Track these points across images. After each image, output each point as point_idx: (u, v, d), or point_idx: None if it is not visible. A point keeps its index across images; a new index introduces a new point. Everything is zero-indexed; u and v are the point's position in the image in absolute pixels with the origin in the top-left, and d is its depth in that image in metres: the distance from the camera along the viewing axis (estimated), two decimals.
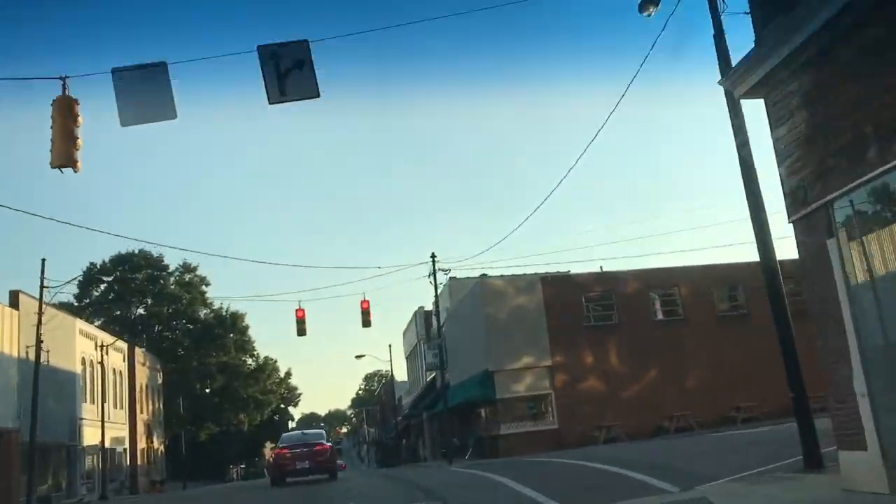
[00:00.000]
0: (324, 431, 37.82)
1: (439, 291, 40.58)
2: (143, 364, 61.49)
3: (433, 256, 36.57)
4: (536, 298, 36.35)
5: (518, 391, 35.68)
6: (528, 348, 35.78)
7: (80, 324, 47.54)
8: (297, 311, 34.77)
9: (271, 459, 33.90)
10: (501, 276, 36.99)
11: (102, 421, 42.23)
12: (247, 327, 76.62)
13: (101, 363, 44.52)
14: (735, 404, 35.59)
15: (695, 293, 37.35)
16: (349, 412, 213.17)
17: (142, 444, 59.31)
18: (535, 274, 36.90)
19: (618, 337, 36.46)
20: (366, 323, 35.53)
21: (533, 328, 35.92)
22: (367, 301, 35.59)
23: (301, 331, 34.79)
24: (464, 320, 40.87)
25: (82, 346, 46.69)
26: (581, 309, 36.63)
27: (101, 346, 44.07)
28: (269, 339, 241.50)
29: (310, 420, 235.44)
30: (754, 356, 35.95)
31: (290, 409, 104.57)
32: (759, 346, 37.01)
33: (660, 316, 37.77)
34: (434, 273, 36.35)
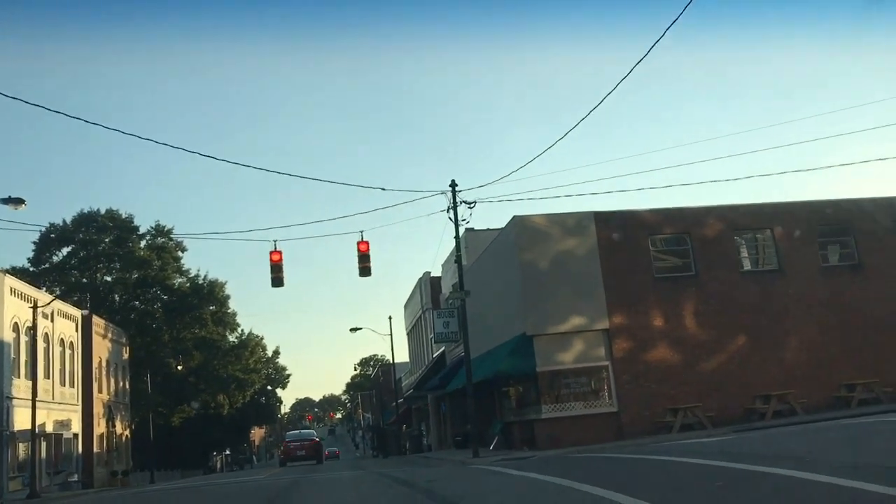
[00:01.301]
0: (314, 431, 55.42)
1: (453, 248, 31.80)
2: (105, 336, 52.75)
3: (453, 185, 27.80)
4: (589, 242, 27.60)
5: (565, 362, 26.97)
6: (577, 306, 27.08)
7: (11, 280, 38.75)
8: (271, 253, 26.12)
9: (281, 449, 50.25)
10: (544, 215, 28.08)
11: (34, 398, 33.50)
12: (227, 297, 67.90)
13: (34, 328, 35.67)
14: (847, 381, 27.02)
15: (793, 237, 28.62)
16: (344, 397, 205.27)
17: (100, 428, 50.64)
18: (587, 212, 28.05)
19: (695, 292, 27.75)
20: (364, 271, 26.89)
21: (584, 280, 27.21)
22: (367, 242, 26.95)
23: (277, 280, 26.13)
24: (489, 275, 32.14)
25: (14, 308, 37.95)
26: (647, 256, 27.88)
27: (35, 307, 35.25)
28: (255, 318, 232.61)
29: (303, 405, 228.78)
30: (871, 319, 27.51)
31: (279, 390, 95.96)
32: (877, 306, 28.67)
33: (748, 266, 29.04)
34: (454, 206, 27.51)
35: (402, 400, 63.25)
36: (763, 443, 17.27)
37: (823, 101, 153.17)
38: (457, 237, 28.57)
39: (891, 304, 27.99)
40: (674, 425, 25.75)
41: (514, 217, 28.13)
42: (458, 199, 27.71)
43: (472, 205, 27.68)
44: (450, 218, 27.99)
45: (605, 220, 27.80)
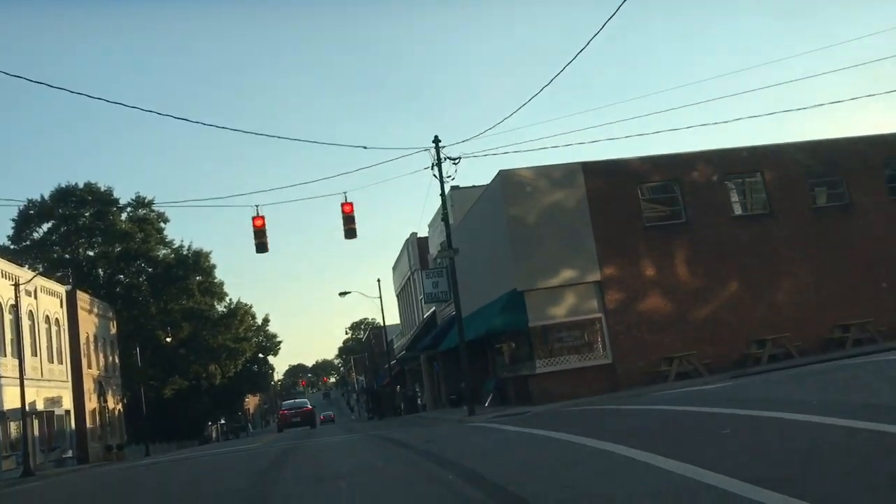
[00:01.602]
0: (307, 400, 60.56)
1: (439, 207, 31.24)
2: (90, 311, 52.17)
3: (437, 141, 27.15)
4: (577, 193, 27.13)
5: (557, 316, 26.67)
6: (568, 259, 26.73)
7: None
8: (254, 219, 25.53)
9: (278, 416, 55.95)
10: (530, 168, 27.52)
11: (21, 376, 33.03)
12: (213, 267, 67.16)
13: (17, 305, 35.06)
14: (841, 322, 26.92)
15: (783, 179, 28.26)
16: (336, 361, 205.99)
17: (91, 404, 50.31)
18: (574, 163, 27.49)
19: (686, 240, 27.42)
20: (349, 233, 26.37)
21: (574, 233, 26.82)
22: (351, 204, 26.38)
23: (261, 245, 25.58)
24: (476, 232, 31.70)
25: None
26: (637, 205, 27.46)
27: (17, 285, 34.60)
28: (243, 287, 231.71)
29: (297, 371, 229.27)
30: (862, 259, 27.36)
31: (271, 358, 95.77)
32: (868, 245, 28.36)
33: (739, 211, 28.68)
34: (439, 163, 26.91)
35: (394, 361, 63.20)
36: (763, 388, 17.07)
37: (813, 38, 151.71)
38: (442, 194, 28.05)
39: (882, 242, 27.79)
40: (669, 374, 25.62)
41: (500, 171, 27.59)
42: (442, 156, 27.15)
43: (456, 161, 27.14)
44: (434, 175, 27.45)
45: (593, 171, 27.31)
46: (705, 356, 26.05)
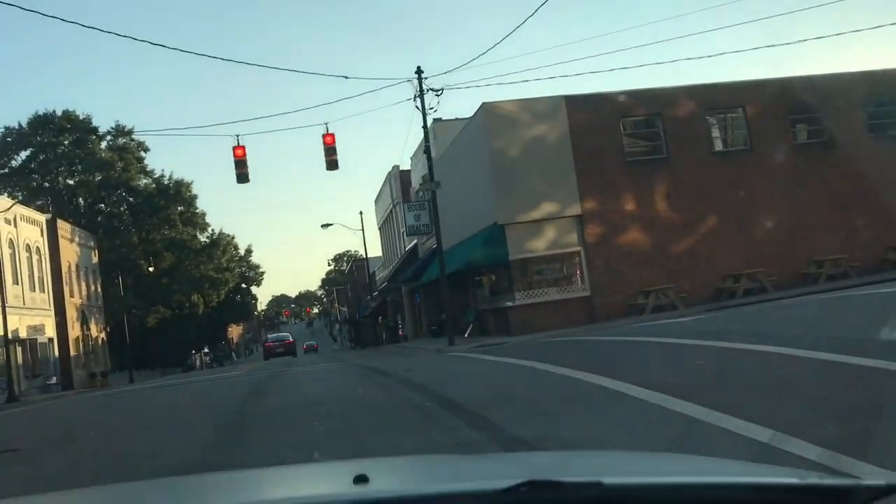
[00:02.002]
0: (289, 334, 69.06)
1: (421, 140, 31.13)
2: (72, 240, 51.96)
3: (419, 72, 26.90)
4: (560, 127, 27.09)
5: (537, 249, 26.96)
6: (549, 193, 26.86)
7: None
8: (234, 149, 25.40)
9: (263, 347, 63.08)
10: (513, 100, 27.38)
11: (3, 304, 33.12)
12: (194, 197, 66.74)
13: None
14: (815, 258, 27.38)
15: (764, 115, 28.31)
16: (319, 292, 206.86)
17: (75, 332, 50.54)
18: (557, 96, 27.39)
19: (666, 175, 27.57)
20: (331, 164, 26.32)
21: (555, 166, 26.87)
22: (332, 135, 26.26)
23: (242, 175, 25.52)
24: (459, 165, 31.68)
25: None
26: (619, 139, 27.50)
27: None
28: (226, 217, 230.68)
29: (280, 302, 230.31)
30: (839, 196, 27.69)
31: (254, 288, 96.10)
32: (845, 182, 28.66)
33: (719, 146, 28.80)
34: (421, 94, 26.72)
35: (376, 293, 63.67)
36: (736, 320, 17.50)
37: None
38: (425, 126, 27.94)
39: (859, 179, 27.95)
40: (646, 307, 26.09)
41: (484, 104, 27.46)
42: (424, 87, 26.99)
43: (439, 92, 27.01)
44: (417, 107, 27.32)
45: (575, 104, 27.24)
46: (682, 290, 26.51)
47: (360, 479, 1.93)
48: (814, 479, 1.90)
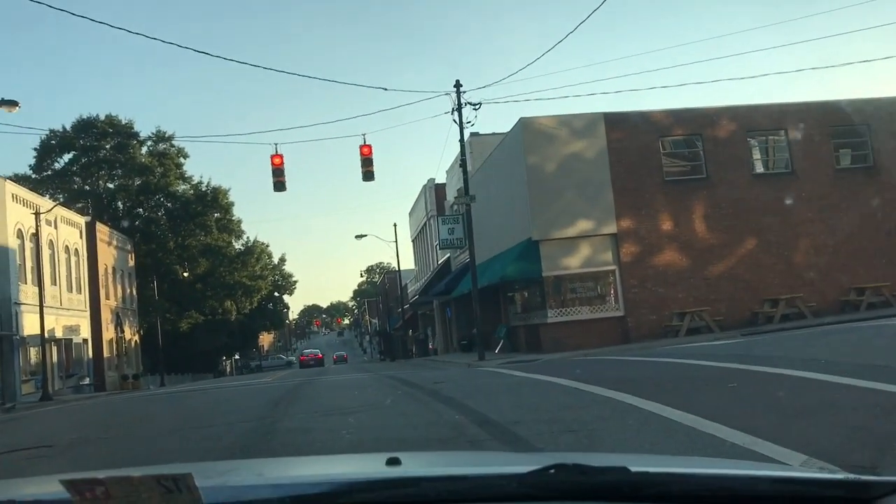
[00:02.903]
0: (319, 350, 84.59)
1: (457, 154, 31.13)
2: (109, 243, 52.74)
3: (458, 85, 26.92)
4: (598, 144, 26.92)
5: (571, 267, 26.75)
6: (585, 210, 26.67)
7: (12, 187, 38.36)
8: (272, 157, 25.57)
9: (298, 360, 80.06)
10: (552, 116, 27.26)
11: (41, 303, 33.66)
12: (231, 204, 67.38)
13: (38, 234, 35.49)
14: (856, 285, 26.81)
15: (807, 138, 27.87)
16: (351, 304, 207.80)
17: (109, 334, 51.20)
18: (596, 113, 27.21)
19: (705, 196, 27.23)
20: (367, 175, 26.39)
21: (592, 184, 26.69)
22: (369, 146, 26.33)
23: (279, 184, 25.67)
24: (494, 180, 31.61)
25: (17, 215, 37.69)
26: (657, 158, 27.24)
27: (38, 214, 34.99)
28: (260, 225, 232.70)
29: (311, 311, 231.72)
30: (882, 223, 27.17)
31: (286, 297, 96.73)
32: (889, 209, 27.96)
33: (760, 169, 28.39)
34: (459, 108, 26.72)
35: (407, 306, 63.69)
36: (774, 346, 17.13)
37: None
38: (461, 140, 27.92)
39: None
40: (681, 329, 25.72)
41: (521, 119, 27.40)
42: (462, 101, 26.97)
43: (477, 106, 26.97)
44: (454, 120, 27.31)
45: (614, 122, 27.06)
46: (717, 313, 26.10)
47: (393, 462, 1.97)
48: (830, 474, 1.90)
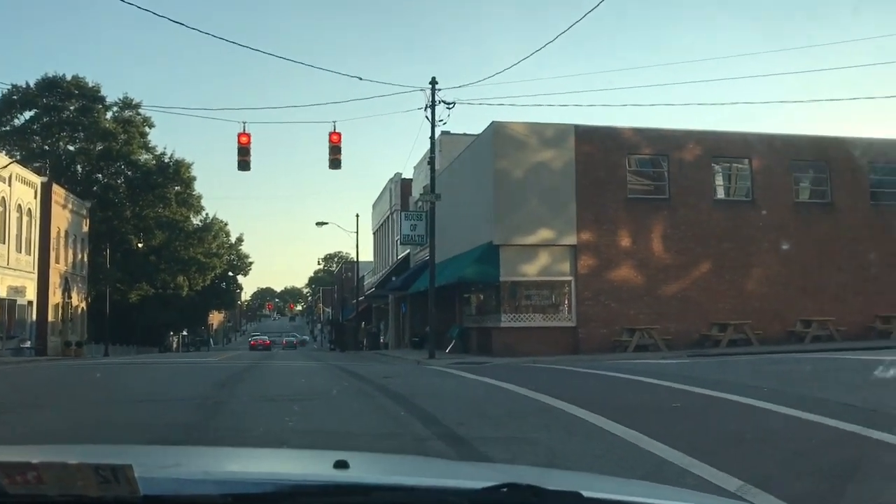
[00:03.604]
0: (267, 336, 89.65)
1: (427, 150, 31.15)
2: (64, 206, 51.62)
3: (433, 82, 26.92)
4: (566, 155, 27.12)
5: (528, 274, 26.93)
6: (547, 219, 26.85)
7: None
8: (239, 135, 25.29)
9: (250, 343, 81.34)
10: (524, 123, 27.39)
11: None
12: (192, 179, 66.40)
13: None
14: (804, 317, 27.41)
15: (770, 170, 28.42)
16: (306, 290, 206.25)
17: (55, 298, 50.12)
18: (567, 124, 27.40)
19: (665, 216, 27.60)
20: (334, 163, 26.25)
21: (557, 194, 26.89)
22: (339, 134, 26.20)
23: (243, 163, 25.41)
24: (461, 181, 31.68)
25: None
26: (623, 175, 27.54)
27: None
28: (220, 202, 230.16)
29: (263, 295, 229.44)
30: (834, 258, 27.77)
31: (241, 277, 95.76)
32: (841, 245, 28.72)
33: (721, 195, 28.87)
34: (433, 105, 26.75)
35: (363, 298, 63.52)
36: (719, 370, 17.43)
37: (820, 30, 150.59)
38: (432, 137, 27.95)
39: (856, 244, 28.14)
40: (630, 345, 26.03)
41: (494, 122, 27.49)
42: (437, 98, 27.00)
43: (451, 105, 27.02)
44: (427, 117, 27.31)
45: (584, 135, 27.28)
46: (667, 332, 26.47)
47: (341, 465, 1.90)
48: None
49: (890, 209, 28.77)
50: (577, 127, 27.32)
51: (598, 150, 27.21)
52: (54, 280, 49.56)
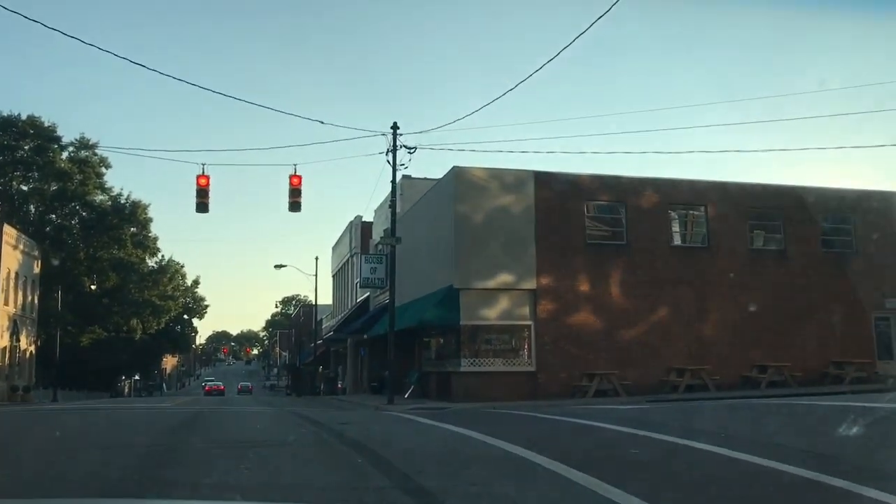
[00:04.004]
0: (221, 382, 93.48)
1: (388, 194, 31.25)
2: (15, 247, 50.50)
3: (395, 127, 27.04)
4: (526, 200, 27.33)
5: (489, 318, 26.87)
6: (507, 264, 26.93)
7: None
8: (198, 177, 25.06)
9: (205, 389, 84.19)
10: (484, 168, 27.61)
11: None
12: (149, 220, 65.58)
13: None
14: (759, 362, 27.74)
15: (726, 217, 28.94)
16: (262, 334, 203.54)
17: (3, 341, 48.71)
18: (527, 170, 27.66)
19: (624, 262, 27.86)
20: (294, 206, 26.10)
21: (517, 239, 27.03)
22: (299, 177, 26.11)
23: (202, 205, 25.14)
24: (421, 224, 31.72)
25: None
26: (581, 220, 27.82)
27: None
28: (177, 244, 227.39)
29: (220, 338, 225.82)
30: (788, 305, 28.26)
31: (196, 321, 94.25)
32: (795, 292, 29.26)
33: (678, 241, 29.28)
34: (394, 149, 26.79)
35: (321, 342, 62.83)
36: (677, 415, 17.49)
37: (782, 77, 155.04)
38: (393, 181, 28.01)
39: (809, 292, 28.66)
40: (589, 390, 26.03)
41: (454, 167, 27.66)
42: (398, 143, 27.05)
43: (412, 150, 27.10)
44: (388, 161, 27.37)
45: (544, 181, 27.55)
46: (626, 377, 26.54)
47: None
48: None
49: (840, 257, 29.45)
50: (536, 173, 27.59)
51: (558, 195, 27.49)
52: (2, 323, 48.25)
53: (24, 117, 60.63)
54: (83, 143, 62.52)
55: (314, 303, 64.87)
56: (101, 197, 64.02)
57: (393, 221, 28.12)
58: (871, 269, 29.15)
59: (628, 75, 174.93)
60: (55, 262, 57.69)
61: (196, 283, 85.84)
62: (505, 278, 26.88)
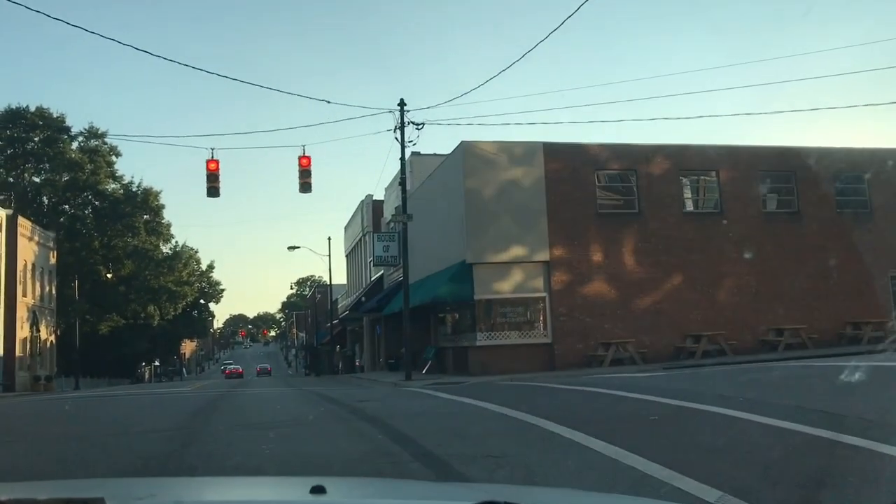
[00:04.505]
0: (240, 366, 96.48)
1: (397, 172, 31.16)
2: (31, 239, 50.89)
3: (402, 104, 26.96)
4: (536, 172, 27.25)
5: (503, 291, 26.93)
6: (519, 237, 26.93)
7: None
8: (208, 162, 25.15)
9: (224, 372, 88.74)
10: (493, 142, 27.53)
11: None
12: (161, 207, 65.88)
13: None
14: (776, 326, 27.68)
15: (737, 181, 28.77)
16: (279, 316, 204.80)
17: (23, 332, 49.26)
18: (536, 142, 27.56)
19: (636, 230, 27.79)
20: (304, 187, 26.17)
21: (528, 211, 26.99)
22: (308, 157, 26.14)
23: (213, 190, 25.24)
24: (432, 201, 31.69)
25: None
26: (592, 190, 27.73)
27: None
28: (190, 230, 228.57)
29: (236, 322, 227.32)
30: (803, 267, 28.11)
31: (212, 305, 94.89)
32: (810, 254, 29.15)
33: (690, 207, 29.15)
34: (402, 126, 26.76)
35: (337, 321, 63.14)
36: (695, 381, 17.52)
37: (791, 40, 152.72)
38: (402, 159, 27.94)
39: (824, 253, 28.48)
40: (605, 359, 26.09)
41: (463, 142, 27.58)
42: (406, 120, 27.02)
43: (420, 126, 27.06)
44: (396, 138, 27.35)
45: (553, 152, 27.45)
46: (642, 345, 26.59)
47: (318, 490, 1.87)
48: None
49: (854, 217, 29.25)
50: (545, 144, 27.48)
51: (567, 166, 27.39)
52: (21, 314, 48.72)
53: (32, 109, 60.89)
54: (92, 133, 62.77)
55: (329, 283, 65.14)
56: (112, 185, 64.32)
57: (403, 199, 28.12)
58: (885, 228, 28.96)
59: (636, 40, 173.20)
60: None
61: (211, 267, 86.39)
62: (517, 251, 26.88)
